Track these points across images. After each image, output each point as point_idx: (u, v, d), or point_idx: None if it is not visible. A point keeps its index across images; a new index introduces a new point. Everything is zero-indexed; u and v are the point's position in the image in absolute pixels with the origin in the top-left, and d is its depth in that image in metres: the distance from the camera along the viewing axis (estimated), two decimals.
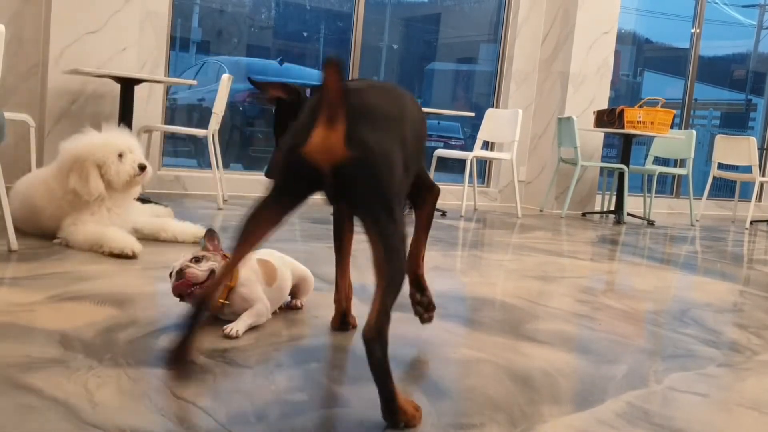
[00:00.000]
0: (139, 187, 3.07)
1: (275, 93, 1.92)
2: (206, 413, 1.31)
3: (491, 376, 1.68)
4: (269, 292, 1.95)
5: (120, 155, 2.90)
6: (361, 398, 1.46)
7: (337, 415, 1.36)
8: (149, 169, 2.98)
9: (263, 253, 2.06)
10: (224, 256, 1.90)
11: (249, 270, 1.93)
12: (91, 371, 1.47)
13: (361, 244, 3.63)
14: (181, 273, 1.82)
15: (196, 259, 1.85)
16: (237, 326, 1.81)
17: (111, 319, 1.87)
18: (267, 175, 1.67)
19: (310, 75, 7.36)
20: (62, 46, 4.42)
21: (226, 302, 1.87)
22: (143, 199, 3.59)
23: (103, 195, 2.86)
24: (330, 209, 2.13)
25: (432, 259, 3.19)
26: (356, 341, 1.87)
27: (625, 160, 6.23)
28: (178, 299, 1.86)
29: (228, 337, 1.78)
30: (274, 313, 2.00)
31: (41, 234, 2.90)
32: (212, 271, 1.84)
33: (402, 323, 2.08)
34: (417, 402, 1.40)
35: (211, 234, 1.96)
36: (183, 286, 1.82)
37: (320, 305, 2.20)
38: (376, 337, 1.27)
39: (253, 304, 1.88)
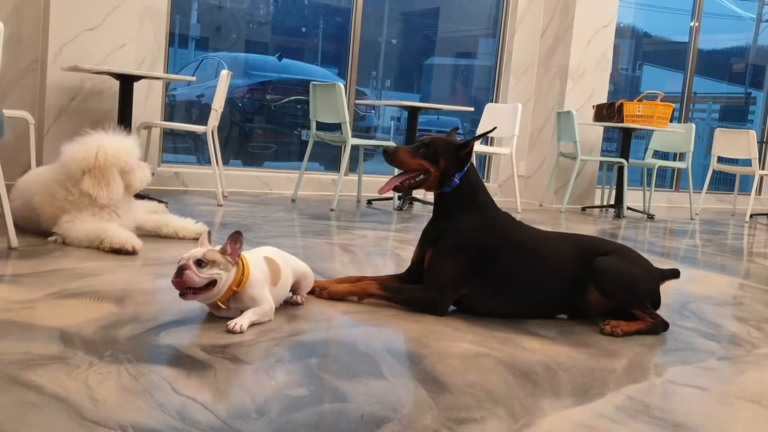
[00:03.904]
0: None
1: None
2: (207, 409, 1.31)
3: (492, 370, 1.69)
4: (273, 291, 1.96)
5: None
6: (362, 393, 1.46)
7: (338, 410, 1.36)
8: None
9: (267, 251, 2.06)
10: (242, 260, 1.88)
11: (259, 271, 1.93)
12: (92, 368, 1.47)
13: (360, 239, 3.63)
14: (180, 272, 1.79)
15: (200, 263, 1.79)
16: (242, 321, 1.81)
17: (111, 315, 1.87)
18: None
19: (309, 70, 7.35)
20: (61, 42, 4.42)
21: (223, 306, 1.87)
22: (140, 196, 3.58)
23: (119, 200, 2.85)
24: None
25: None
26: (356, 336, 1.87)
27: (625, 154, 6.23)
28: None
29: (232, 332, 1.78)
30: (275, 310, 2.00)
31: (41, 232, 2.89)
32: (213, 282, 1.80)
33: (402, 319, 2.08)
34: (418, 396, 1.40)
35: (236, 236, 1.85)
36: (178, 285, 1.81)
37: (320, 301, 2.20)
38: None
39: (260, 305, 1.89)
